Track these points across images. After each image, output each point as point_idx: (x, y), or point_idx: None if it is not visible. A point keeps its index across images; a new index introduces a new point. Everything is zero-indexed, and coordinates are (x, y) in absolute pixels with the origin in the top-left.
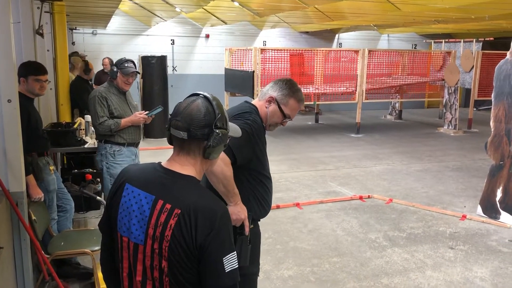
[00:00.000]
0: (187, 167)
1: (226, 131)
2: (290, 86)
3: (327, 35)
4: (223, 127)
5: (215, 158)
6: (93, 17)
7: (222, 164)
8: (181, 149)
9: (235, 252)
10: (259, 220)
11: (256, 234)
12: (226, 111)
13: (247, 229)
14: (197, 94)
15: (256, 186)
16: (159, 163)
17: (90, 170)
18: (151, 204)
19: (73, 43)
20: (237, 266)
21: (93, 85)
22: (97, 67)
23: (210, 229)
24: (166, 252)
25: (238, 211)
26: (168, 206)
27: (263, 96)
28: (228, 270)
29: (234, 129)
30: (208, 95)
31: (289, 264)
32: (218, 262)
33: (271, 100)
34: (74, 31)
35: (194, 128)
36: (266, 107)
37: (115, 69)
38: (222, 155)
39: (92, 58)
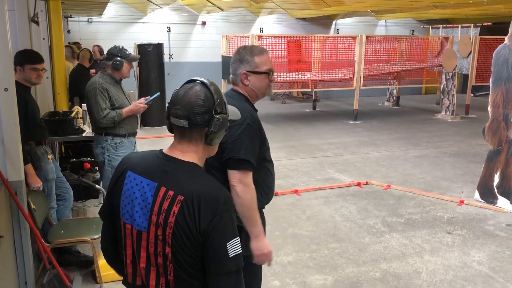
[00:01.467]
0: (189, 154)
1: (226, 116)
2: (245, 52)
3: (324, 22)
4: (223, 112)
5: (217, 144)
6: (88, 5)
7: (244, 182)
8: (183, 137)
9: (238, 237)
10: (264, 208)
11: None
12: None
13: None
14: (194, 81)
15: (260, 173)
16: (161, 150)
17: (88, 158)
18: (153, 191)
19: (68, 32)
20: (241, 251)
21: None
22: None
23: (213, 215)
24: (169, 239)
25: (261, 247)
26: (171, 192)
27: (237, 79)
28: (232, 255)
29: (234, 112)
30: (205, 81)
31: (288, 250)
32: (222, 247)
33: (245, 75)
34: (69, 19)
35: (195, 116)
36: (247, 84)
37: (118, 59)
38: (244, 176)
39: (88, 46)
